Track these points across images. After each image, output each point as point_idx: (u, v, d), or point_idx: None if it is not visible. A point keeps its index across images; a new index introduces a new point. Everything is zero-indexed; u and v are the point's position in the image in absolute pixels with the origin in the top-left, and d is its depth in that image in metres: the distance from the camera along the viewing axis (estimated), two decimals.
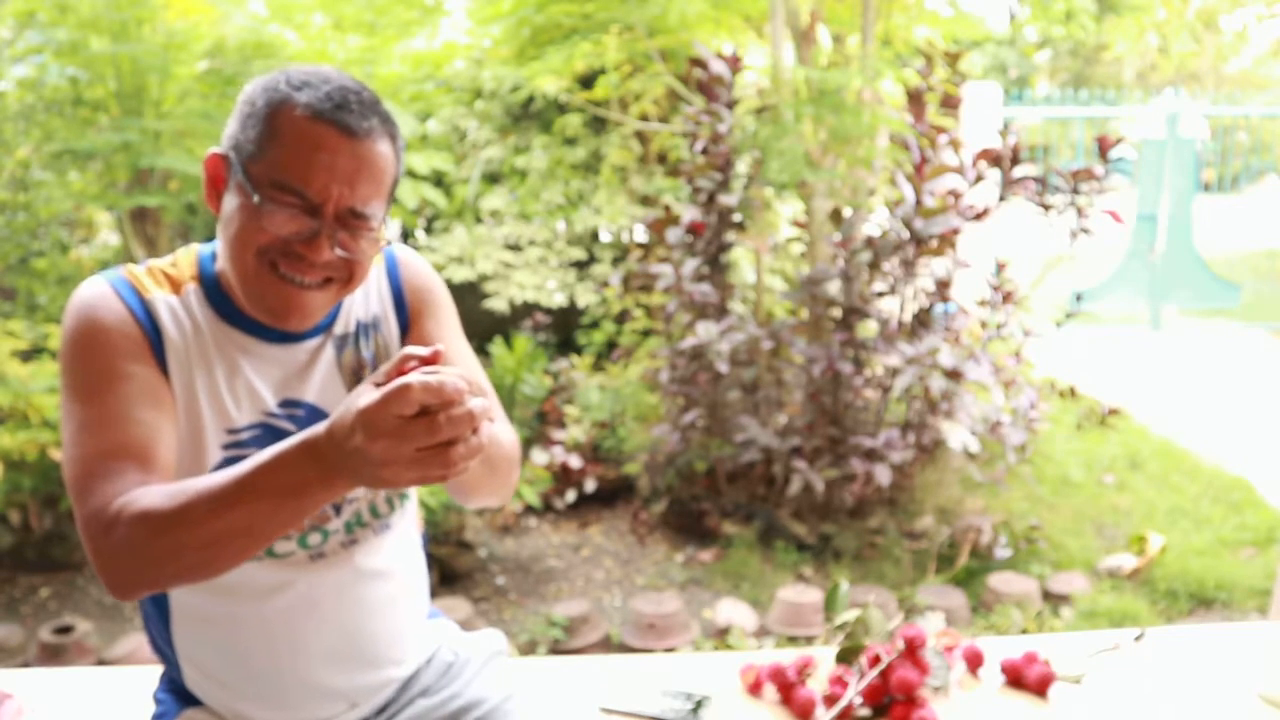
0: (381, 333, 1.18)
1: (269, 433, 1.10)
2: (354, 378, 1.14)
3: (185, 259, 1.12)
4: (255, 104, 1.01)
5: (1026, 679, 1.55)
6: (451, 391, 0.79)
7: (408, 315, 1.19)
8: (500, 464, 1.11)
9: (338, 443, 0.82)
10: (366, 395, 0.81)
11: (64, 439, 1.01)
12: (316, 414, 1.12)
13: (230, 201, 1.03)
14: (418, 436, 0.79)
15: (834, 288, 3.65)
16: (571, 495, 4.12)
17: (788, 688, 1.53)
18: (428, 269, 1.23)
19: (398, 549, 1.23)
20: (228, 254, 1.04)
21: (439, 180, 5.40)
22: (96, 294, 1.05)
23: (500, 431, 1.12)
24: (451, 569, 3.56)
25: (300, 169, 0.99)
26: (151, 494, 0.91)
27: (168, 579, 0.92)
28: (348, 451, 0.81)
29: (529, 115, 5.42)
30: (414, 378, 0.79)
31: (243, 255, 1.02)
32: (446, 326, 1.22)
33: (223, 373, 1.08)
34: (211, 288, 1.10)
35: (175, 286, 1.09)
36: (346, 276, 1.05)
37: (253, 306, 1.06)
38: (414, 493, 1.26)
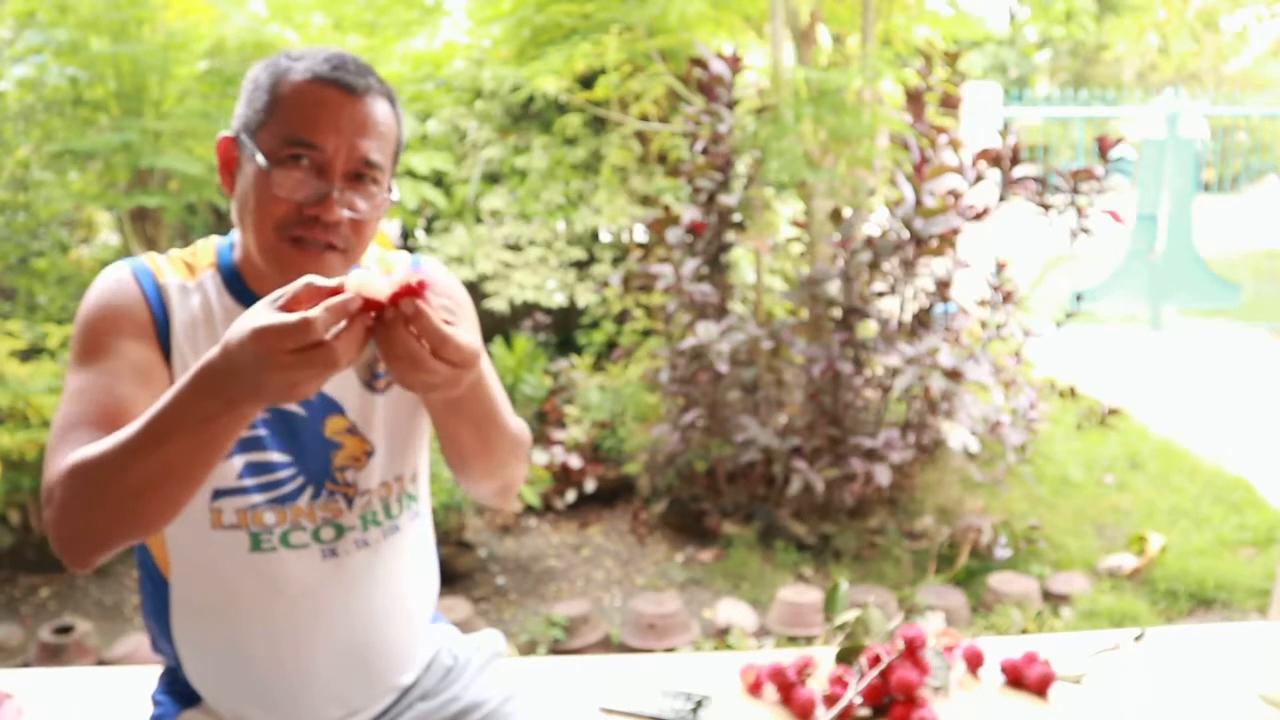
0: None
1: (278, 416, 1.11)
2: (367, 370, 1.15)
3: (204, 248, 1.15)
4: (259, 80, 1.06)
5: (1026, 679, 1.55)
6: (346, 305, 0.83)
7: None
8: (505, 440, 1.11)
9: (233, 363, 0.83)
10: (264, 317, 0.81)
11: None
12: (327, 400, 1.13)
13: (244, 177, 1.06)
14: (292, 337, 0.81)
15: (834, 288, 3.65)
16: (571, 495, 4.12)
17: (788, 688, 1.53)
18: (455, 283, 1.24)
19: (412, 557, 1.23)
20: (248, 229, 1.06)
21: (439, 180, 5.39)
22: (115, 276, 1.09)
23: (508, 416, 1.13)
24: (451, 569, 3.56)
25: (306, 125, 1.03)
26: (82, 450, 0.93)
27: (105, 532, 0.93)
28: (242, 368, 0.82)
29: (529, 115, 5.42)
30: (316, 313, 0.81)
31: (262, 229, 1.04)
32: None
33: None
34: (228, 274, 1.12)
35: (191, 272, 1.12)
36: (354, 241, 1.07)
37: (274, 277, 1.06)
38: (425, 494, 1.26)
